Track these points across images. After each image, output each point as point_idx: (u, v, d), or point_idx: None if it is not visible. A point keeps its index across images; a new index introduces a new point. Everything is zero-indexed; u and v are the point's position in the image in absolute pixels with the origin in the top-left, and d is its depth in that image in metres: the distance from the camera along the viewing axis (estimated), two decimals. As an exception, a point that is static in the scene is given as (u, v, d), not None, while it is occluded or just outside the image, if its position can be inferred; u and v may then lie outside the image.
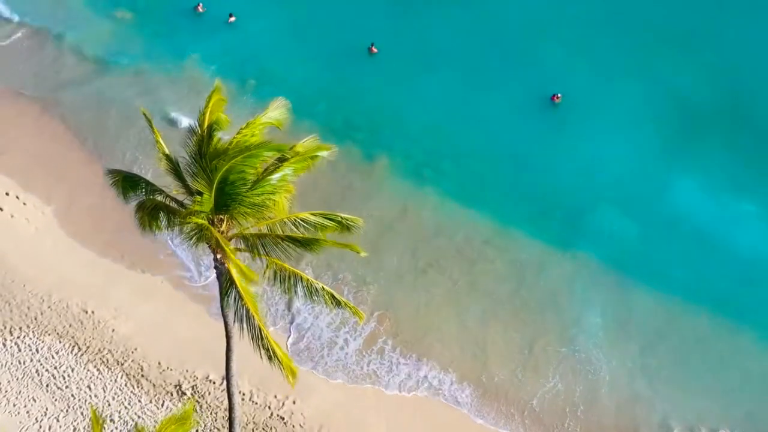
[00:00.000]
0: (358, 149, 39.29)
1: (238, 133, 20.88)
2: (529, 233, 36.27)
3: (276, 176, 20.49)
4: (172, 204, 21.51)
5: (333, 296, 21.43)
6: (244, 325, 20.64)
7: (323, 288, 21.36)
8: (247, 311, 20.37)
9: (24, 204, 37.01)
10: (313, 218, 21.25)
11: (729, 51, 43.80)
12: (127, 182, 21.89)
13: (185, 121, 39.90)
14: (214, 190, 20.02)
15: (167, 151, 21.64)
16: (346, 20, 46.23)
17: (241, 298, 20.48)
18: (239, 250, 21.39)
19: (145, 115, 22.64)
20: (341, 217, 21.51)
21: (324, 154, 21.59)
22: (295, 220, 21.19)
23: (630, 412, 30.75)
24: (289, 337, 32.97)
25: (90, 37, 46.51)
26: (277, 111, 21.64)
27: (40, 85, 44.09)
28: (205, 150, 20.58)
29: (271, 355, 20.49)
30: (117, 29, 47.29)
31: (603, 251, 35.62)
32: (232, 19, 46.34)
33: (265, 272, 21.29)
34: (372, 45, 43.79)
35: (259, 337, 20.47)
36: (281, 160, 20.97)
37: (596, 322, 33.25)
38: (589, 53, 43.76)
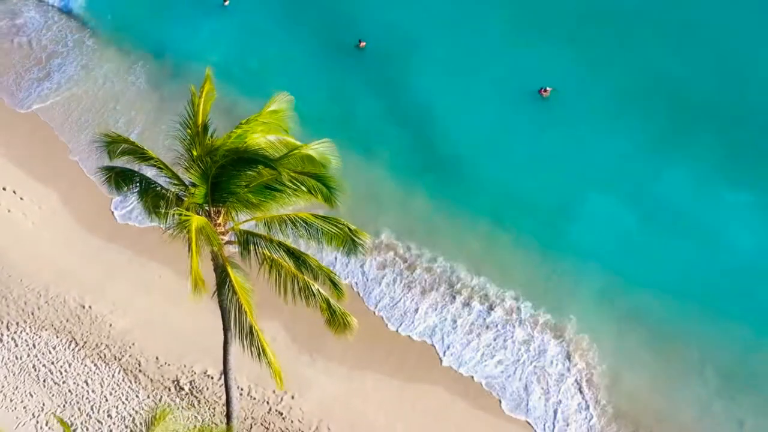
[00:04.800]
0: (345, 143, 38.81)
1: (237, 127, 20.59)
2: (519, 231, 35.97)
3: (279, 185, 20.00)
4: (170, 195, 21.24)
5: (329, 303, 20.80)
6: (236, 319, 20.30)
7: (319, 291, 20.78)
8: (240, 306, 20.10)
9: (21, 199, 36.81)
10: (315, 221, 20.41)
11: (721, 40, 43.18)
12: (121, 177, 21.65)
13: None
14: (209, 183, 19.79)
15: (154, 154, 21.43)
16: (334, 14, 46.19)
17: (235, 292, 20.21)
18: (234, 243, 21.13)
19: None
20: (348, 228, 20.44)
21: (334, 189, 19.82)
22: (295, 218, 20.58)
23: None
24: None
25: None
26: (278, 106, 20.99)
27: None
28: (200, 141, 20.32)
29: (260, 353, 20.14)
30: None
31: (593, 244, 35.26)
32: (227, 2, 47.04)
33: (260, 269, 20.98)
34: (360, 40, 43.90)
35: (249, 334, 20.15)
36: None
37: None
38: (577, 45, 43.04)
